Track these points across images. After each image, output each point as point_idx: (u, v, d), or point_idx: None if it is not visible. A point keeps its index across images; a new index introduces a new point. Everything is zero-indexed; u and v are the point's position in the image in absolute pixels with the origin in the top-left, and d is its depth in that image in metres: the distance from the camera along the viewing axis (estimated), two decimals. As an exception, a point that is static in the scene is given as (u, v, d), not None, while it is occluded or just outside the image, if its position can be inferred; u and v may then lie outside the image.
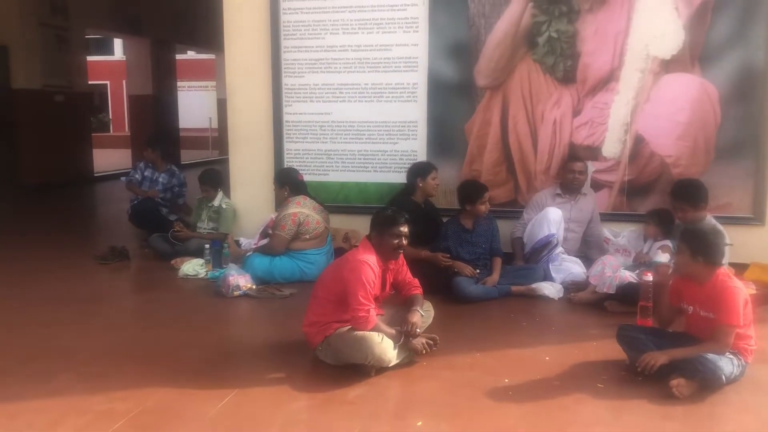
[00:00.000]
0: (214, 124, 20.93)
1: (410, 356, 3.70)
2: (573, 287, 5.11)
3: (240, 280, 5.06)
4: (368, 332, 3.52)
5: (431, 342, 3.70)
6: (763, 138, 5.43)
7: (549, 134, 5.84)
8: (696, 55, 5.48)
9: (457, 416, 3.11)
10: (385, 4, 5.99)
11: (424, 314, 3.87)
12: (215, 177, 6.48)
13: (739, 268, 4.73)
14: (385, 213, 3.86)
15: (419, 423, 3.03)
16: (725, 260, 3.71)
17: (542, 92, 5.80)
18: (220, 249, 5.75)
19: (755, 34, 5.36)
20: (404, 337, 3.64)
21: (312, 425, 3.06)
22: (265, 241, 5.81)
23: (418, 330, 3.69)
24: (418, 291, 3.96)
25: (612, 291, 4.69)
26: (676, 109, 5.58)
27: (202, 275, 5.59)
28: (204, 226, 6.38)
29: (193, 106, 23.56)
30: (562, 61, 5.73)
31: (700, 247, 3.44)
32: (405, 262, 3.95)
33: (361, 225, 6.15)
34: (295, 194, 5.54)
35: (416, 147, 6.09)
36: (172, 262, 5.89)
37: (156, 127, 14.00)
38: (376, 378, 3.52)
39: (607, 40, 5.63)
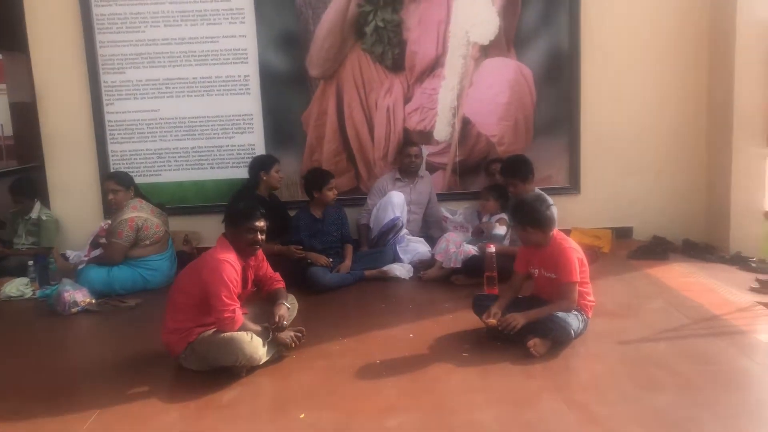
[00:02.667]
0: (7, 131, 18.93)
1: (279, 351, 3.64)
2: (421, 266, 5.32)
3: (77, 295, 4.66)
4: (236, 333, 3.41)
5: (299, 334, 3.68)
6: (573, 116, 5.99)
7: (384, 121, 5.99)
8: (511, 40, 5.91)
9: (337, 403, 3.12)
10: (207, -6, 5.79)
11: (290, 307, 3.82)
12: (29, 187, 5.88)
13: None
14: (239, 208, 3.74)
15: (302, 415, 3.01)
16: (554, 222, 4.03)
17: (374, 80, 5.94)
18: (45, 264, 5.25)
19: (560, 19, 5.88)
20: (272, 332, 3.58)
21: (191, 435, 2.92)
22: (98, 251, 5.40)
23: (285, 323, 3.65)
24: (281, 284, 3.91)
25: (458, 265, 4.95)
26: (497, 91, 5.98)
27: (29, 295, 5.07)
28: (22, 241, 5.78)
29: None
30: (390, 49, 5.90)
31: (526, 217, 3.75)
32: (264, 257, 3.87)
33: (201, 225, 5.97)
34: (130, 197, 5.19)
35: (254, 140, 5.96)
36: (-11, 284, 5.28)
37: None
38: (248, 378, 3.44)
39: (431, 28, 5.89)
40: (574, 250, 3.75)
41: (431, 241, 5.62)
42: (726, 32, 5.65)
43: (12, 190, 5.79)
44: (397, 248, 5.42)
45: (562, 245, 3.75)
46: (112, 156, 5.92)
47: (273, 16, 5.81)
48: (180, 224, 5.75)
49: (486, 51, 5.93)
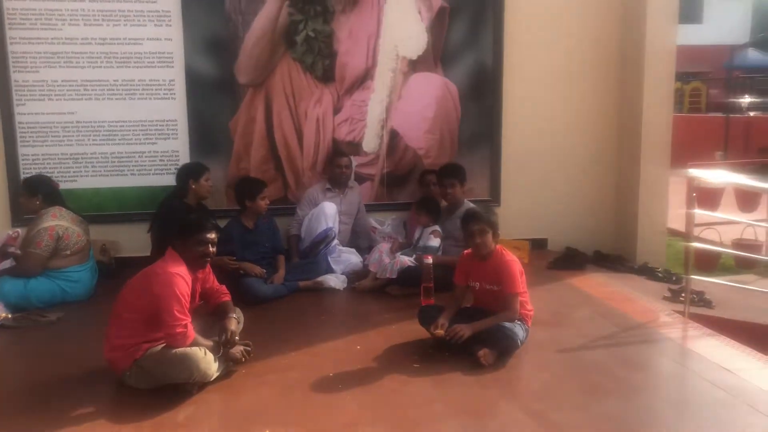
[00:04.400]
0: None
1: (227, 366, 3.56)
2: (354, 276, 5.35)
3: (-9, 309, 4.33)
4: (189, 348, 3.31)
5: (248, 348, 3.62)
6: (495, 130, 6.24)
7: (313, 131, 5.98)
8: (438, 56, 6.07)
9: (299, 419, 3.10)
10: (131, -6, 5.56)
11: (239, 321, 3.75)
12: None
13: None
14: (189, 219, 3.63)
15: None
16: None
17: (304, 90, 5.92)
18: (-53, 277, 4.83)
19: (485, 38, 6.12)
20: (223, 347, 3.50)
21: (152, 457, 2.80)
22: (8, 263, 5.03)
23: (236, 338, 3.57)
24: (228, 297, 3.82)
25: (394, 276, 5.02)
26: (424, 105, 6.13)
27: (-71, 311, 4.64)
28: None
29: None
30: (320, 60, 5.90)
31: (496, 226, 3.88)
32: (211, 270, 3.77)
33: (120, 234, 5.73)
34: (49, 205, 4.88)
35: (178, 147, 5.77)
36: None
37: None
38: (200, 395, 3.34)
39: (361, 40, 5.95)
40: (515, 262, 3.92)
41: (360, 251, 5.67)
42: (635, 57, 6.10)
43: None
44: (329, 259, 5.43)
45: (504, 257, 3.91)
46: (23, 159, 5.54)
47: (201, 20, 5.66)
48: (97, 233, 5.45)
49: (414, 65, 6.06)
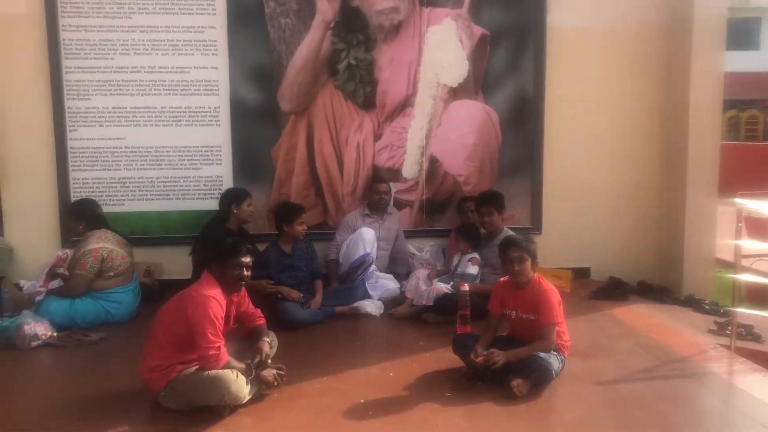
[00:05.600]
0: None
1: (260, 390, 3.58)
2: (391, 302, 5.34)
3: (38, 328, 4.47)
4: (222, 371, 3.34)
5: (281, 372, 3.63)
6: (537, 158, 6.19)
7: (353, 158, 6.04)
8: (479, 83, 6.08)
9: (328, 444, 3.09)
10: (180, 25, 5.74)
11: (272, 344, 3.78)
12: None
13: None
14: (226, 243, 3.69)
15: (294, 457, 2.96)
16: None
17: (345, 117, 5.99)
18: (0, 295, 5.02)
19: (526, 65, 6.10)
20: (255, 370, 3.52)
21: (181, 478, 2.82)
22: (56, 283, 5.21)
23: (269, 361, 3.60)
24: (262, 321, 3.86)
25: (430, 303, 4.99)
26: (464, 132, 6.13)
27: (-19, 328, 4.81)
28: (-28, 270, 5.51)
29: None
30: (361, 87, 5.98)
31: (535, 254, 3.83)
32: (246, 293, 3.82)
33: (163, 257, 5.84)
34: (93, 228, 5.04)
35: (221, 172, 5.90)
36: (-63, 316, 4.99)
37: None
38: (231, 417, 3.37)
39: (402, 68, 6.01)
40: (554, 292, 3.85)
41: (398, 277, 5.66)
42: (682, 82, 5.98)
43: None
44: (367, 284, 5.43)
45: (542, 286, 3.85)
46: (74, 183, 5.74)
47: (246, 50, 5.81)
48: (142, 255, 5.61)
49: (455, 93, 6.08)
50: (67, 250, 5.47)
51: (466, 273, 5.10)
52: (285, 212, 5.24)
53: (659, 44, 6.22)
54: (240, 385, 3.36)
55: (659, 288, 5.99)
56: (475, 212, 5.43)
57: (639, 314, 5.25)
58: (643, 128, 6.31)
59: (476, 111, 6.13)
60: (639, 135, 6.32)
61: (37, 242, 5.74)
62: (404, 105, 6.05)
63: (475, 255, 5.19)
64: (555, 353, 3.76)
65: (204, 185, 5.90)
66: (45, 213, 5.75)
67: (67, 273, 5.00)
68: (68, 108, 5.68)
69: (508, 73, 6.11)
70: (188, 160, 5.87)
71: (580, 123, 6.25)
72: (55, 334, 4.54)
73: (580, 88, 6.21)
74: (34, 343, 4.42)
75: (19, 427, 3.31)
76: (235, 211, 5.27)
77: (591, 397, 3.61)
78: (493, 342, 3.89)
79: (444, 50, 6.02)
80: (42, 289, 5.27)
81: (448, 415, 3.39)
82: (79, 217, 5.09)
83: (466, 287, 4.54)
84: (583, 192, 6.33)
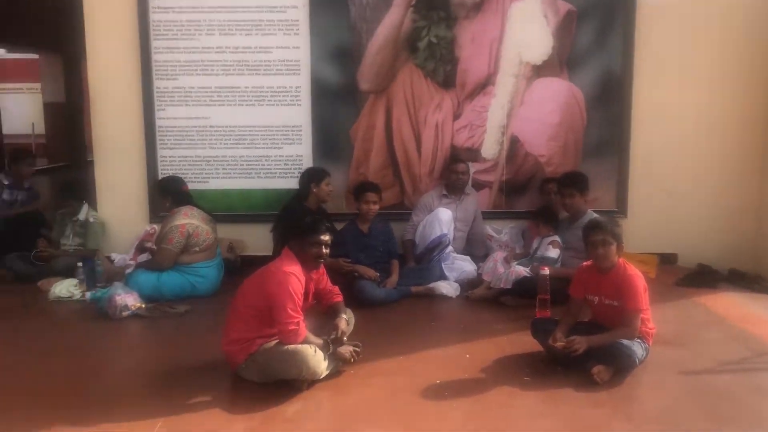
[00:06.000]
0: (39, 130, 19.11)
1: (337, 366, 3.62)
2: (467, 284, 5.28)
3: (128, 299, 4.67)
4: (300, 345, 3.40)
5: (357, 349, 3.66)
6: (623, 138, 5.96)
7: (432, 137, 5.99)
8: (563, 60, 5.89)
9: (403, 423, 3.10)
10: (263, 5, 5.80)
11: (349, 321, 3.81)
12: (79, 189, 5.93)
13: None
14: (306, 221, 3.74)
15: (371, 434, 2.98)
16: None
17: (424, 96, 5.94)
18: (93, 267, 5.27)
19: (614, 42, 5.86)
20: (332, 346, 3.57)
21: (259, 448, 2.89)
22: (145, 256, 5.42)
23: (345, 338, 3.63)
24: (340, 298, 3.90)
25: (508, 286, 4.90)
26: (548, 111, 5.96)
27: (77, 296, 5.08)
28: (69, 242, 5.81)
29: (14, 111, 21.36)
30: (442, 66, 5.90)
31: (620, 238, 3.70)
32: (325, 271, 3.86)
33: (245, 233, 5.98)
34: (179, 205, 5.21)
35: (302, 151, 5.97)
36: (39, 284, 5.31)
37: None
38: (309, 392, 3.42)
39: (483, 46, 5.89)
40: (639, 277, 3.71)
41: (475, 259, 5.59)
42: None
43: (62, 192, 5.83)
44: (443, 265, 5.39)
45: (627, 271, 3.71)
46: (161, 161, 5.95)
47: (327, 29, 5.83)
48: (225, 231, 5.75)
49: (538, 71, 5.91)
50: (155, 226, 5.69)
51: (546, 256, 4.98)
52: (355, 190, 5.36)
53: (765, 13, 5.81)
54: (318, 361, 3.41)
55: (753, 276, 5.67)
56: (558, 194, 5.29)
57: (729, 303, 5.00)
58: (742, 107, 5.92)
59: (560, 89, 5.94)
60: (737, 115, 5.95)
61: (127, 217, 5.99)
62: (485, 83, 5.93)
63: (556, 238, 5.06)
64: (638, 341, 3.62)
65: (285, 164, 5.99)
66: (135, 189, 5.98)
67: (155, 247, 5.20)
68: (157, 88, 5.87)
69: (594, 51, 5.88)
70: (270, 139, 5.97)
71: (671, 104, 5.94)
72: (143, 305, 4.73)
73: (673, 66, 5.90)
74: (125, 313, 4.62)
75: (108, 393, 3.47)
76: (314, 190, 5.33)
77: (676, 387, 3.46)
78: (573, 327, 3.79)
79: (528, 27, 5.86)
80: (131, 262, 5.51)
81: (526, 400, 3.33)
82: (166, 193, 5.27)
83: (546, 271, 4.44)
84: (672, 175, 6.05)
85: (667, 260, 6.05)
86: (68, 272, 5.38)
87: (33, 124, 19.36)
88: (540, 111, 5.96)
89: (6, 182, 6.22)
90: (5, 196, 6.20)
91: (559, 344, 3.57)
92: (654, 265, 5.78)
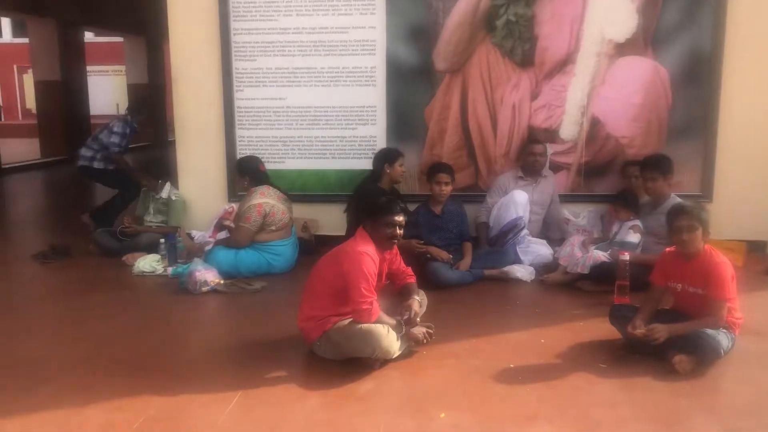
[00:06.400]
0: (123, 111, 19.91)
1: (409, 346, 3.63)
2: (542, 269, 5.18)
3: (207, 275, 4.82)
4: (374, 325, 3.42)
5: (430, 331, 3.65)
6: (711, 119, 5.68)
7: (508, 117, 5.87)
8: (648, 38, 5.64)
9: (475, 405, 3.08)
10: (340, -15, 5.82)
11: (421, 303, 3.80)
12: (163, 167, 6.15)
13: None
14: (379, 201, 3.75)
15: (442, 415, 2.97)
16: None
17: (501, 76, 5.82)
18: (174, 243, 5.45)
19: (703, 18, 5.57)
20: (405, 326, 3.57)
21: (333, 425, 2.93)
22: (223, 234, 5.57)
23: (418, 319, 3.63)
24: (413, 279, 3.90)
25: (586, 271, 4.78)
26: (630, 91, 5.74)
27: (160, 271, 5.28)
28: (151, 219, 6.03)
29: (100, 91, 22.29)
30: (520, 44, 5.76)
31: (706, 223, 3.54)
32: (398, 252, 3.86)
33: (320, 213, 6.05)
34: (257, 184, 5.31)
35: (376, 132, 5.97)
36: (123, 258, 5.54)
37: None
38: (381, 371, 3.44)
39: (564, 23, 5.71)
40: (726, 265, 3.54)
41: (551, 243, 5.47)
42: None
43: (147, 169, 6.05)
44: (518, 249, 5.31)
45: (714, 259, 3.54)
46: (239, 141, 6.07)
47: (404, 8, 5.78)
48: (300, 211, 5.84)
49: (621, 49, 5.69)
50: (233, 204, 5.83)
51: (627, 241, 4.82)
52: (427, 171, 5.32)
53: None
54: (391, 341, 3.42)
55: None
56: (640, 177, 5.10)
57: (825, 295, 4.72)
58: None
59: (644, 68, 5.71)
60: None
61: (207, 196, 6.15)
62: (565, 62, 5.75)
63: (637, 222, 4.89)
64: (724, 330, 3.47)
65: (359, 145, 6.01)
66: (214, 169, 6.13)
67: (233, 225, 5.33)
68: (236, 69, 5.98)
69: (682, 28, 5.61)
70: (344, 119, 5.99)
71: (764, 82, 5.62)
72: (221, 281, 4.87)
73: (766, 42, 5.58)
74: (204, 289, 4.77)
75: (188, 364, 3.60)
76: (387, 170, 5.32)
77: (764, 380, 3.30)
78: (654, 315, 3.66)
79: (611, 3, 5.63)
80: (211, 239, 5.68)
81: (603, 387, 3.25)
82: (245, 172, 5.38)
83: (626, 256, 4.31)
84: (762, 158, 5.73)
85: (755, 248, 5.74)
86: (151, 248, 5.61)
87: (117, 105, 20.26)
88: (622, 91, 5.75)
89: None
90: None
91: (639, 332, 3.46)
92: (742, 252, 5.50)
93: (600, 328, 3.93)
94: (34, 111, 16.21)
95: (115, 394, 3.18)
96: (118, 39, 19.41)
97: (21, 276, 5.50)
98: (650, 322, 3.53)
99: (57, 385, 3.30)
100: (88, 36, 16.96)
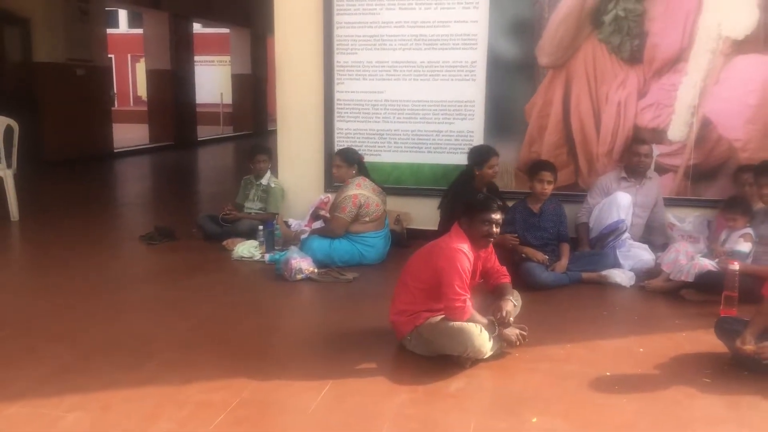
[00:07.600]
0: (226, 100, 20.68)
1: (501, 347, 3.57)
2: (643, 274, 4.98)
3: (303, 263, 4.92)
4: (466, 323, 3.39)
5: (524, 333, 3.58)
6: (839, 123, 5.29)
7: (613, 116, 5.67)
8: (770, 35, 5.31)
9: (569, 412, 2.99)
10: (443, -22, 5.78)
11: (516, 303, 3.74)
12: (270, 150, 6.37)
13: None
14: (477, 198, 3.71)
15: (534, 419, 2.91)
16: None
17: (607, 72, 5.62)
18: (272, 230, 5.61)
19: (833, 15, 5.18)
20: (498, 327, 3.52)
21: (423, 420, 2.93)
22: (318, 223, 5.68)
23: (511, 319, 3.57)
24: (507, 279, 3.83)
25: (690, 279, 4.55)
26: (747, 91, 5.41)
27: (257, 257, 5.44)
28: (251, 206, 6.23)
29: (205, 81, 23.24)
30: (628, 40, 5.54)
31: None
32: (494, 250, 3.81)
33: (413, 207, 6.06)
34: (359, 174, 5.40)
35: (473, 128, 5.91)
36: (224, 243, 5.75)
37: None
38: (472, 370, 3.40)
39: (677, 19, 5.44)
40: None
41: (653, 248, 5.25)
42: None
43: (258, 150, 6.25)
44: (618, 252, 5.12)
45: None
46: (338, 133, 6.16)
47: (508, 3, 5.68)
48: (393, 204, 5.87)
49: (739, 46, 5.37)
50: (329, 194, 5.93)
51: (737, 250, 4.55)
52: (529, 168, 5.23)
53: None
54: (483, 340, 3.38)
55: None
56: (754, 184, 4.81)
57: None
58: None
59: (763, 67, 5.36)
60: None
61: (304, 185, 6.29)
62: (676, 59, 5.49)
63: (749, 231, 4.61)
64: (844, 351, 3.21)
65: (455, 140, 5.96)
66: (312, 159, 6.26)
67: (328, 215, 5.42)
68: (337, 62, 6.06)
69: (809, 23, 5.24)
70: (442, 114, 5.96)
71: None
72: (316, 270, 4.96)
73: None
74: (299, 276, 4.88)
75: (282, 350, 3.71)
76: (477, 172, 5.22)
77: None
78: (765, 331, 3.44)
79: (730, -3, 5.33)
80: (306, 228, 5.80)
81: (706, 402, 3.09)
82: (352, 163, 5.43)
83: (735, 266, 4.08)
84: None
85: None
86: (250, 234, 5.78)
87: (221, 94, 21.04)
88: (738, 90, 5.42)
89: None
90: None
91: (749, 348, 3.26)
92: None
93: (703, 341, 3.74)
94: (144, 98, 17.09)
95: (213, 374, 3.30)
96: (225, 30, 20.17)
97: (129, 256, 5.80)
98: (762, 339, 3.33)
99: (160, 360, 3.47)
100: (196, 27, 17.67)
